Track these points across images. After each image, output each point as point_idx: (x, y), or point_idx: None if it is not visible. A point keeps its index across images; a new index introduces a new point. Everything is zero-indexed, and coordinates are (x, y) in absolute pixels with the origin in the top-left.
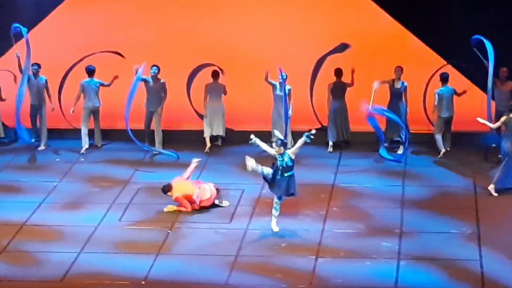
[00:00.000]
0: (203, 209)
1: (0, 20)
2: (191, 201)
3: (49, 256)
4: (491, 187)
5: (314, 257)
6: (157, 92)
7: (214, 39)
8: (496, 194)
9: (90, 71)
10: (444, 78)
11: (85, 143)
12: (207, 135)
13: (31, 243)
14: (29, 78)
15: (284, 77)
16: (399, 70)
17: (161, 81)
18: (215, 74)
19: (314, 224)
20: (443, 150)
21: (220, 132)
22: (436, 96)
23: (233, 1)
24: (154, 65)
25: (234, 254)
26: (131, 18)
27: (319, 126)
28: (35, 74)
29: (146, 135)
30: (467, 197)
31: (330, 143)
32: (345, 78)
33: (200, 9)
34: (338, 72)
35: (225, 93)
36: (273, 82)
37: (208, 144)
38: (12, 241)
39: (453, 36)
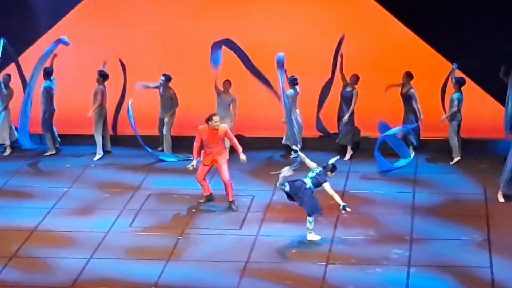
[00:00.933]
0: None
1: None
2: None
3: (60, 262)
4: (499, 195)
5: (325, 263)
6: (167, 99)
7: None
8: (502, 200)
9: (106, 76)
10: (462, 83)
11: (101, 150)
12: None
13: (41, 249)
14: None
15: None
16: (406, 75)
17: (171, 91)
18: (227, 84)
19: (325, 231)
20: (458, 158)
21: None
22: (456, 102)
23: (242, 9)
24: (163, 74)
25: (245, 260)
26: (140, 25)
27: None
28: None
29: (160, 140)
30: (477, 204)
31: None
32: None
33: (210, 16)
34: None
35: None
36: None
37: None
38: (22, 247)
39: (464, 40)
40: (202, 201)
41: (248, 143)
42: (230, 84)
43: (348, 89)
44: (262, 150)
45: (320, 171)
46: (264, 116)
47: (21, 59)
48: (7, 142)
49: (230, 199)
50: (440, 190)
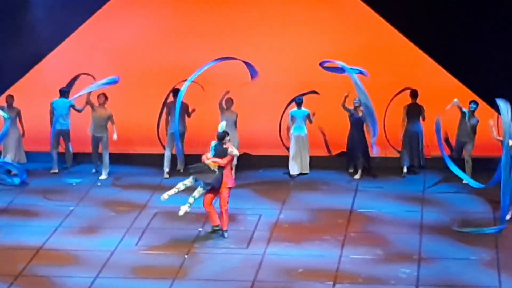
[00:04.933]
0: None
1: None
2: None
3: (65, 281)
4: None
5: (332, 283)
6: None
7: (230, 63)
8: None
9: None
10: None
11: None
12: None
13: (47, 268)
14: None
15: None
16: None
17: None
18: (229, 102)
19: (332, 250)
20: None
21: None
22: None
23: (246, 27)
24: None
25: (251, 279)
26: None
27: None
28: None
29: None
30: (486, 223)
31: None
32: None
33: (215, 32)
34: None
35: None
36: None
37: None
38: (28, 266)
39: (469, 58)
40: (209, 231)
41: (255, 162)
42: (232, 102)
43: (358, 114)
44: (269, 168)
45: (216, 145)
46: (270, 134)
47: (28, 76)
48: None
49: (224, 228)
50: (448, 209)
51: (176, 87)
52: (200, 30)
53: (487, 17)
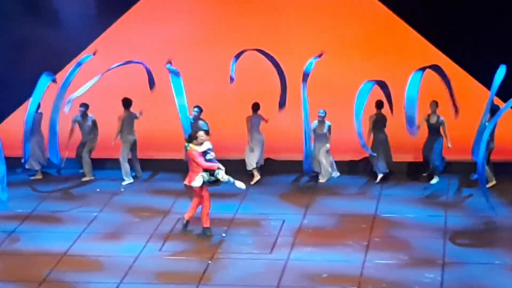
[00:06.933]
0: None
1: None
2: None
3: (89, 287)
4: None
5: None
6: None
7: (252, 68)
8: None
9: (129, 103)
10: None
11: (130, 177)
12: (254, 166)
13: (71, 274)
14: (78, 121)
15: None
16: (434, 104)
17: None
18: (255, 107)
19: (356, 255)
20: (493, 182)
21: (261, 161)
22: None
23: (271, 29)
24: (196, 106)
25: (275, 285)
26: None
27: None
28: (83, 115)
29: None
30: (510, 227)
31: (380, 175)
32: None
33: (236, 36)
34: (379, 104)
35: (265, 120)
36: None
37: (258, 176)
38: (52, 272)
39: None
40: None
41: (278, 166)
42: (259, 106)
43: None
44: (292, 173)
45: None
46: (293, 139)
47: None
48: (36, 168)
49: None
50: (472, 214)
51: None
52: (222, 34)
53: (506, 16)
